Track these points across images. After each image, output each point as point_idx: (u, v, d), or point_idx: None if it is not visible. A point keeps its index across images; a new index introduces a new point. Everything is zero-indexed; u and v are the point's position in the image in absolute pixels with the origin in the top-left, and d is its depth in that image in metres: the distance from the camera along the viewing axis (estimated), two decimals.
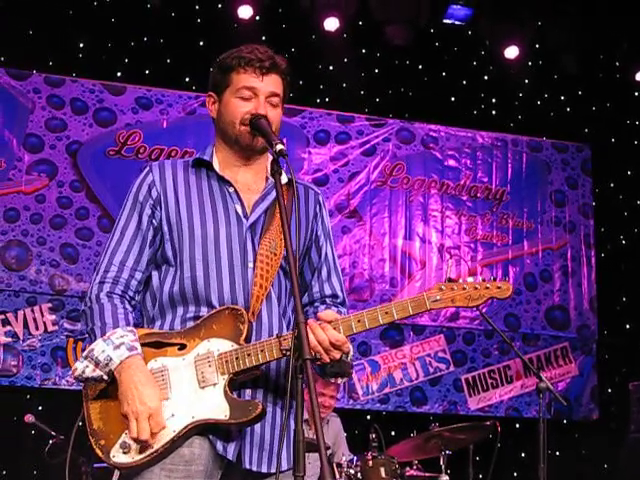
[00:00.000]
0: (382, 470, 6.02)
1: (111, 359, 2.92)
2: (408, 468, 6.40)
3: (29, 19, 8.48)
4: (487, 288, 3.01)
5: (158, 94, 8.85)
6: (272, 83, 3.14)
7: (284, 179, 3.08)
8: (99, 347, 2.95)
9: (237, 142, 3.14)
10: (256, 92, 3.11)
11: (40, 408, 8.02)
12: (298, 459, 2.58)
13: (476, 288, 3.00)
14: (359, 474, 6.05)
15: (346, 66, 9.39)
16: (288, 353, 2.74)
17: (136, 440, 2.88)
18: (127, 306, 3.07)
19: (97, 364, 2.94)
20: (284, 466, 3.01)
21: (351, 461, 6.16)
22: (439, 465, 6.24)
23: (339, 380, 3.16)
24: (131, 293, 3.11)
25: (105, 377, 2.95)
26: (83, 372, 2.97)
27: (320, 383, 6.67)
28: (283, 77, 3.19)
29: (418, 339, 9.22)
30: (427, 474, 6.43)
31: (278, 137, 3.01)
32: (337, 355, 2.92)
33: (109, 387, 2.97)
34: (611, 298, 9.86)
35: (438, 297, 2.98)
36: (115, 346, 2.93)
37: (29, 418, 6.39)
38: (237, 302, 3.01)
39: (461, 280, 3.01)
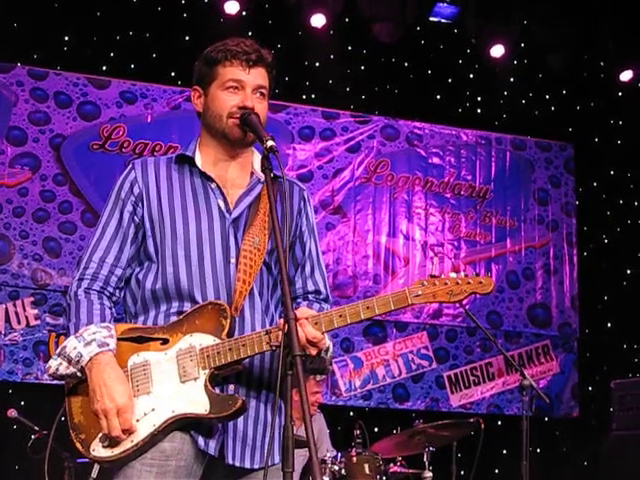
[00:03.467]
0: (366, 466, 6.04)
1: (81, 356, 2.92)
2: (392, 464, 6.41)
3: (13, 11, 8.43)
4: (469, 283, 3.00)
5: (143, 88, 8.82)
6: (259, 76, 3.14)
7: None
8: (71, 344, 2.95)
9: (225, 136, 3.13)
10: (243, 85, 3.11)
11: (22, 403, 7.97)
12: (287, 455, 2.58)
13: (458, 283, 3.00)
14: (343, 470, 6.06)
15: (332, 62, 9.39)
16: (277, 349, 2.75)
17: (108, 437, 2.89)
18: (105, 302, 3.07)
19: (69, 361, 2.94)
20: (269, 462, 3.00)
21: (335, 457, 6.17)
22: (423, 461, 6.25)
23: (317, 377, 3.17)
24: (110, 289, 3.10)
25: (79, 374, 2.95)
26: (57, 370, 2.97)
27: (313, 382, 6.69)
28: (269, 70, 3.18)
29: (401, 336, 9.24)
30: (411, 470, 6.44)
31: (268, 133, 2.99)
32: (314, 352, 2.92)
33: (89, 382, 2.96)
34: (593, 296, 9.91)
35: (420, 292, 2.98)
36: (86, 342, 2.93)
37: (12, 413, 6.36)
38: (220, 297, 3.01)
39: (443, 276, 3.01)
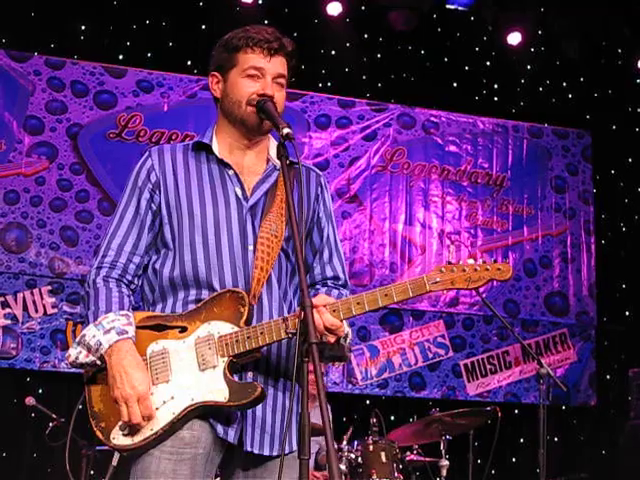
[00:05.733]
0: (383, 455, 6.05)
1: (101, 344, 2.93)
2: (408, 453, 6.43)
3: (30, 1, 8.45)
4: (487, 270, 2.99)
5: (159, 77, 8.83)
6: (279, 64, 3.13)
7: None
8: (90, 332, 2.96)
9: (243, 122, 3.12)
10: (263, 73, 3.10)
11: (40, 391, 8.03)
12: (303, 442, 2.59)
13: (476, 270, 2.98)
14: (360, 458, 6.08)
15: (348, 51, 9.37)
16: (294, 336, 2.75)
17: (128, 424, 2.89)
18: (123, 290, 3.07)
19: (89, 349, 2.95)
20: (285, 449, 3.02)
21: (352, 445, 6.19)
22: (439, 450, 6.26)
23: (336, 364, 3.17)
24: (129, 277, 3.11)
25: (98, 362, 2.96)
26: (77, 358, 2.98)
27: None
28: (289, 59, 3.18)
29: (417, 324, 9.23)
30: (427, 459, 6.45)
31: (285, 120, 2.98)
32: (332, 339, 2.92)
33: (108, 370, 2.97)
34: (610, 285, 9.87)
35: (438, 279, 2.97)
36: (105, 330, 2.94)
37: (30, 401, 6.40)
38: (238, 285, 3.01)
39: (461, 262, 2.99)
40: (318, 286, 3.24)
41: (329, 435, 2.45)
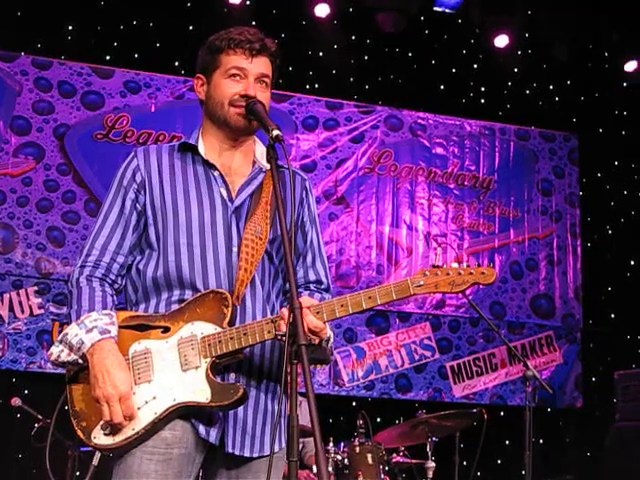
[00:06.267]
0: (369, 456, 6.04)
1: (83, 342, 2.92)
2: (395, 454, 6.42)
3: (18, 0, 8.43)
4: (471, 274, 3.00)
5: (147, 78, 8.82)
6: (262, 65, 3.14)
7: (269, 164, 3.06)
8: (73, 331, 2.95)
9: (226, 123, 3.12)
10: (245, 73, 3.11)
11: (26, 392, 8.00)
12: (292, 444, 2.58)
13: (460, 274, 3.00)
14: (346, 460, 6.08)
15: (336, 52, 9.36)
16: (283, 338, 2.75)
17: (110, 423, 2.89)
18: (107, 289, 3.07)
19: (71, 348, 2.95)
20: (267, 451, 3.04)
21: (338, 447, 6.19)
22: (425, 452, 6.26)
23: (318, 367, 3.18)
24: (113, 277, 3.11)
25: (80, 361, 2.96)
26: (59, 356, 2.98)
27: None
28: (272, 59, 3.18)
29: (404, 326, 9.24)
30: (413, 460, 6.45)
31: (274, 122, 2.98)
32: (315, 341, 2.93)
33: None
34: (596, 287, 9.90)
35: (422, 282, 2.98)
36: (88, 329, 2.93)
37: (16, 401, 6.37)
38: (222, 286, 3.01)
39: (445, 266, 3.01)
40: (301, 289, 3.24)
41: (318, 437, 2.45)
